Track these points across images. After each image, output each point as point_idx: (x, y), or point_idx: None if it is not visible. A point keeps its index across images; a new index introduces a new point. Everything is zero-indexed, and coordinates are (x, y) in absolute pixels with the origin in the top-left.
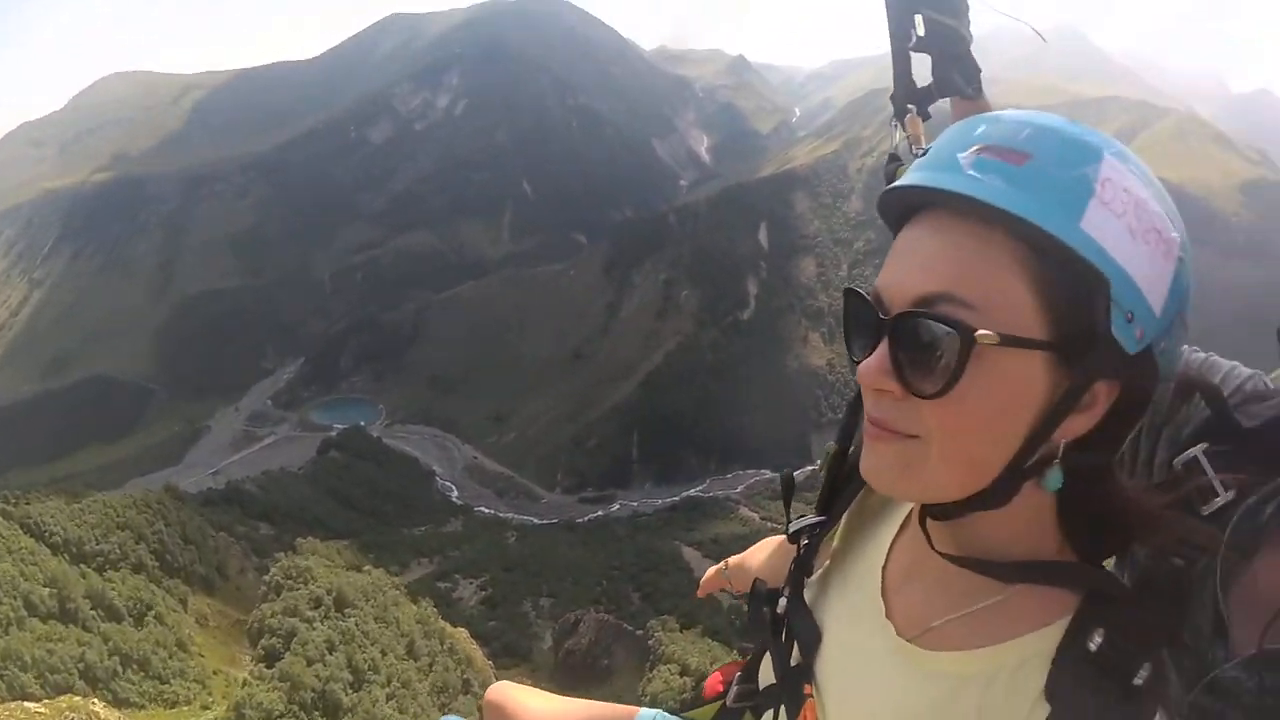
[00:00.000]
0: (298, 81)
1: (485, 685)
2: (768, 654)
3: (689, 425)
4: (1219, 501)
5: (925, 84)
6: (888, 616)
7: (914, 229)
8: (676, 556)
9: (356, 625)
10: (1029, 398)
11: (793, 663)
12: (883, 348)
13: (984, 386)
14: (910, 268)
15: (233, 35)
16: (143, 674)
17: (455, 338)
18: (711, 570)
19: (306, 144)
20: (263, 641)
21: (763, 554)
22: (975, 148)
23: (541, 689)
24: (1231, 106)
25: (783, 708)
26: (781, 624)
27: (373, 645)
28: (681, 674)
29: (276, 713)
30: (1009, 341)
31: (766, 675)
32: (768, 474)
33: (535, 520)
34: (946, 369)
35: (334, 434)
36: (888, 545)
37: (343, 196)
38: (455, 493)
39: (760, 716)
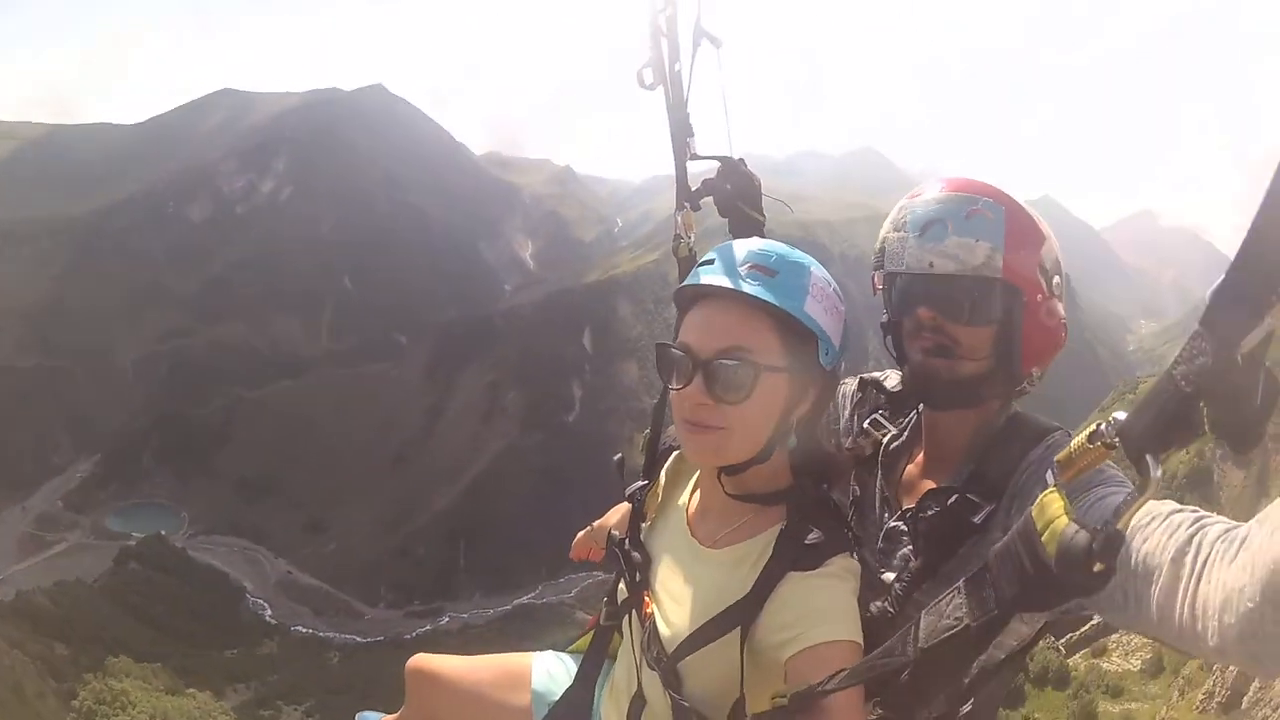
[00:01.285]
0: (118, 145)
1: None
2: (621, 582)
3: (518, 531)
4: (889, 436)
5: (696, 185)
6: (692, 536)
7: (706, 308)
8: None
9: None
10: (781, 398)
11: (636, 580)
12: (699, 379)
13: (761, 395)
14: (711, 331)
15: (56, 88)
16: None
17: (267, 439)
18: (581, 534)
19: (121, 213)
20: None
21: (615, 516)
22: (748, 265)
23: None
24: None
25: (632, 611)
26: (628, 556)
27: None
28: None
29: None
30: (770, 370)
31: (624, 598)
32: (600, 575)
33: (359, 639)
34: (744, 388)
35: (133, 544)
36: (686, 496)
37: (154, 274)
38: (268, 611)
39: (620, 627)
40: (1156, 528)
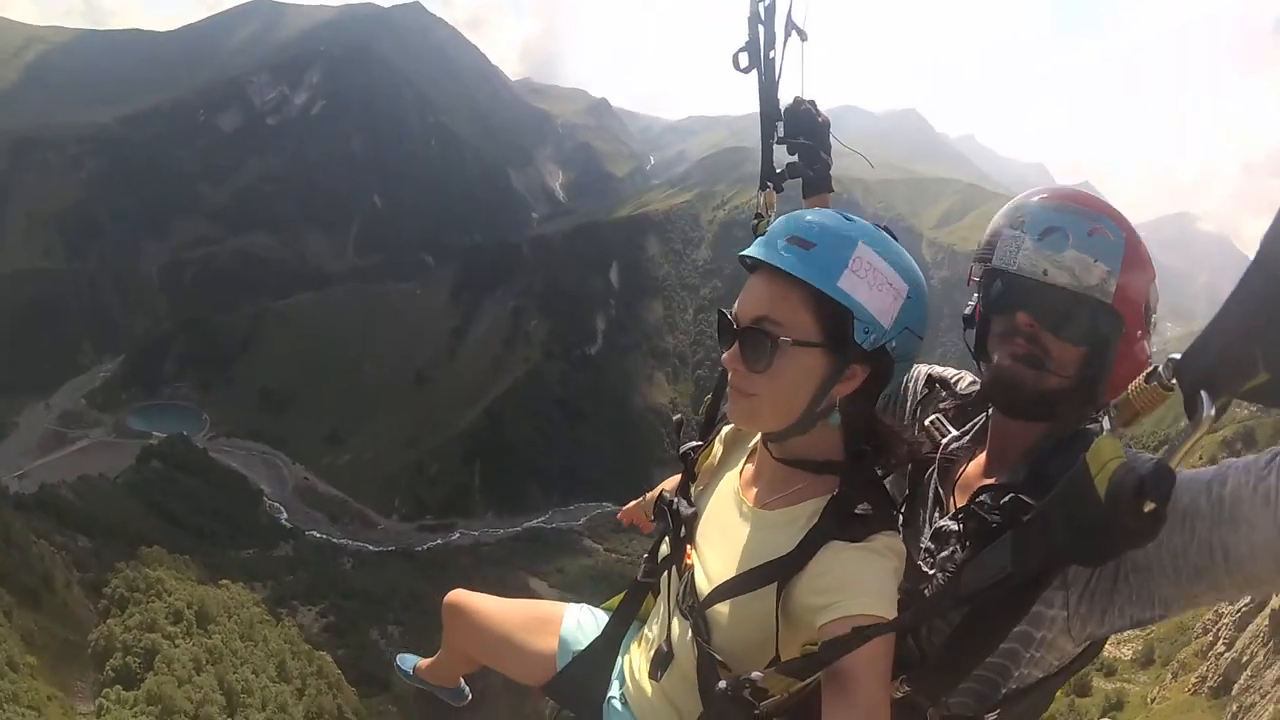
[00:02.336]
0: (149, 53)
1: (356, 711)
2: (665, 540)
3: (532, 456)
4: (951, 437)
5: (781, 169)
6: (743, 497)
7: (754, 277)
8: (524, 586)
9: (223, 643)
10: (813, 373)
11: (680, 534)
12: (735, 345)
13: (786, 367)
14: (749, 300)
15: None
16: None
17: (291, 350)
18: (633, 504)
19: (151, 121)
20: (113, 661)
21: (667, 484)
22: (788, 236)
23: None
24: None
25: (672, 567)
26: (675, 511)
27: (243, 665)
28: None
29: None
30: (798, 343)
31: (664, 555)
32: (610, 507)
33: (371, 547)
34: (765, 357)
35: (155, 443)
36: (742, 462)
37: (183, 184)
38: (284, 514)
39: (655, 587)
40: (1231, 472)
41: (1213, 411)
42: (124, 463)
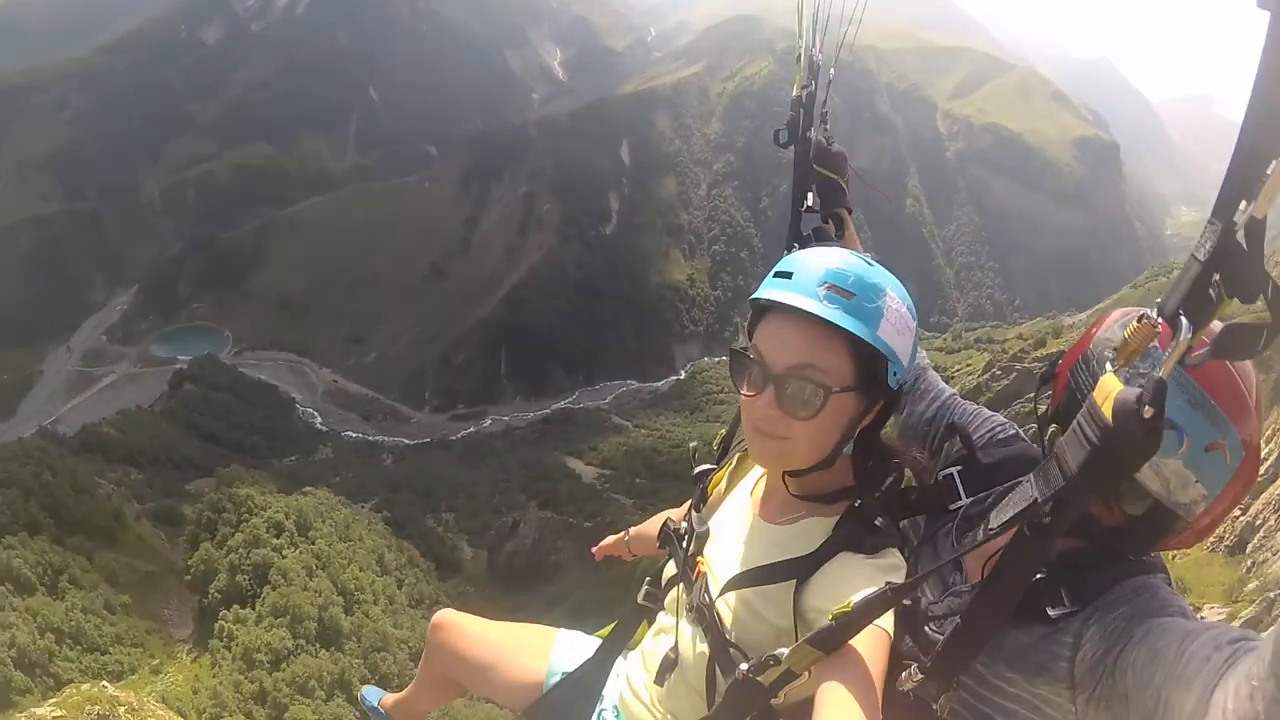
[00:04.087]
0: None
1: (446, 594)
2: (670, 563)
3: (555, 339)
4: (962, 503)
5: (807, 232)
6: (757, 515)
7: (781, 320)
8: (562, 466)
9: (327, 546)
10: (846, 415)
11: (689, 551)
12: (770, 391)
13: (828, 413)
14: (786, 347)
15: None
16: (79, 647)
17: (302, 257)
18: (612, 538)
19: (131, 46)
20: (216, 584)
21: (660, 518)
22: (825, 285)
23: (486, 598)
24: (1072, 69)
25: (681, 583)
26: (690, 532)
27: (350, 564)
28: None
29: (285, 650)
30: (842, 390)
31: (669, 576)
32: (634, 384)
33: (407, 441)
34: (814, 406)
35: (184, 367)
36: (754, 482)
37: (172, 105)
38: (319, 419)
39: (651, 615)
40: (1207, 631)
41: (1191, 332)
42: (156, 391)
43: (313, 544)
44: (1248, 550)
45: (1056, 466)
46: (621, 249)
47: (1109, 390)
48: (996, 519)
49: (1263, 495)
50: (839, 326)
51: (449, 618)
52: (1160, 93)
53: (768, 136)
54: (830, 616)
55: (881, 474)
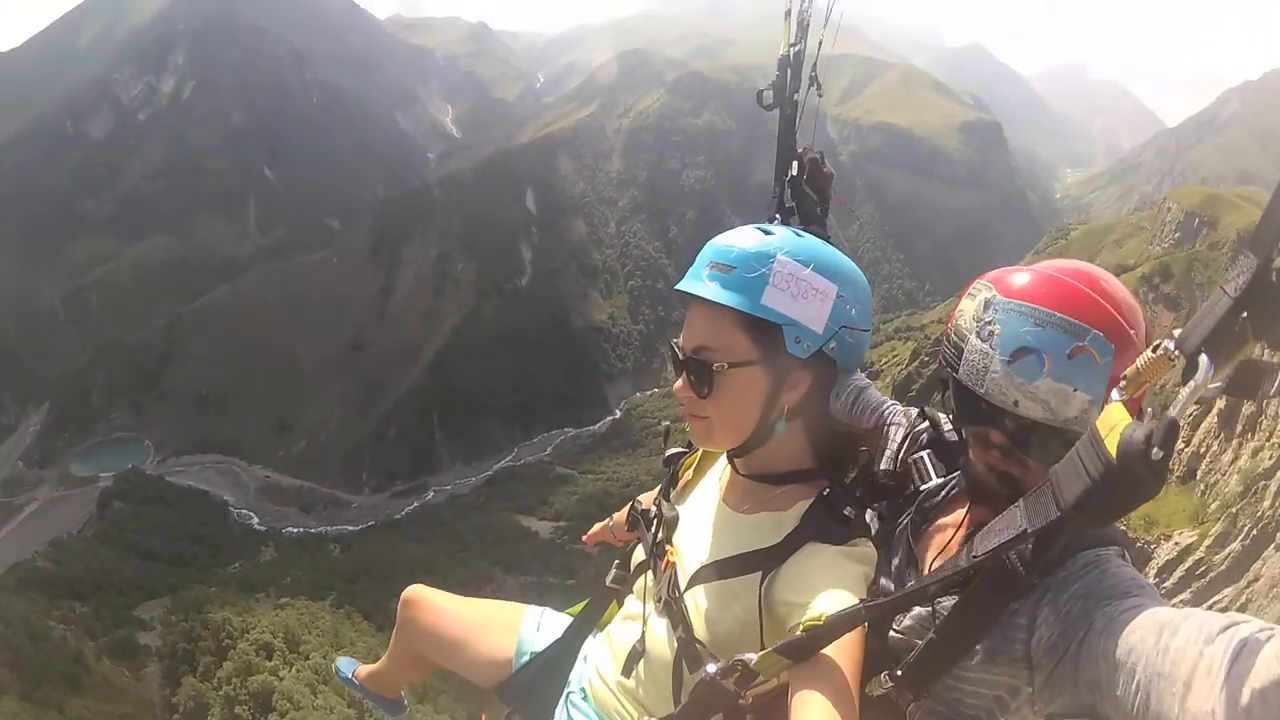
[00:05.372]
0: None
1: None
2: (639, 546)
3: (487, 398)
4: (928, 488)
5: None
6: (724, 502)
7: (692, 307)
8: (516, 526)
9: (323, 657)
10: (754, 389)
11: (659, 536)
12: (682, 375)
13: (727, 388)
14: (688, 331)
15: None
16: None
17: (216, 350)
18: (599, 526)
19: (16, 147)
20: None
21: (637, 500)
22: (709, 264)
23: None
24: (948, 58)
25: (650, 570)
26: (654, 518)
27: None
28: None
29: None
30: (737, 365)
31: (638, 561)
32: (572, 431)
33: (351, 528)
34: (708, 383)
35: (109, 484)
36: (723, 469)
37: (64, 205)
38: (255, 519)
39: (620, 596)
40: (1187, 622)
41: (1211, 372)
42: (84, 513)
43: (307, 659)
44: (1198, 476)
45: (1051, 496)
46: (540, 298)
47: (1114, 422)
48: (981, 546)
49: (1201, 425)
50: (718, 303)
51: (419, 593)
52: (1034, 65)
53: (669, 166)
54: (801, 629)
55: (845, 458)
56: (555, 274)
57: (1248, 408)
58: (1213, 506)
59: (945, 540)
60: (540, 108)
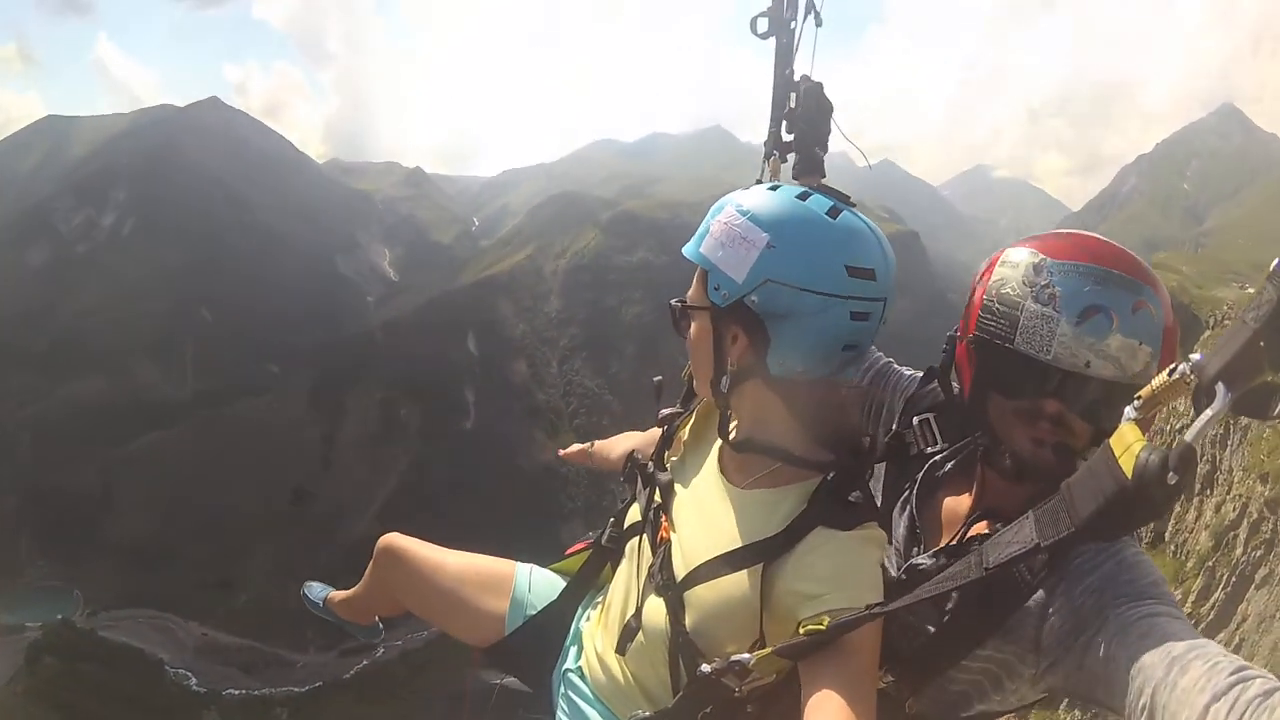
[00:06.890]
0: None
1: None
2: (634, 505)
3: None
4: (935, 448)
5: (788, 139)
6: (722, 474)
7: None
8: (477, 677)
9: None
10: (703, 335)
11: (655, 504)
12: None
13: (689, 331)
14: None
15: None
16: None
17: (151, 499)
18: (577, 446)
19: None
20: None
21: (626, 442)
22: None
23: None
24: (861, 175)
25: (645, 535)
26: (650, 479)
27: None
28: None
29: None
30: (687, 307)
31: (632, 521)
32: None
33: (298, 689)
34: (676, 323)
35: (38, 635)
36: (717, 443)
37: None
38: (193, 680)
39: (620, 555)
40: (1198, 661)
41: (1228, 399)
42: (10, 665)
43: None
44: (1167, 538)
45: (1065, 511)
46: (485, 441)
47: (1128, 443)
48: (993, 557)
49: None
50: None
51: (398, 542)
52: (941, 175)
53: (607, 304)
54: (803, 631)
55: (842, 442)
56: (501, 415)
57: (1203, 466)
58: (1189, 564)
59: (953, 514)
60: (477, 250)
